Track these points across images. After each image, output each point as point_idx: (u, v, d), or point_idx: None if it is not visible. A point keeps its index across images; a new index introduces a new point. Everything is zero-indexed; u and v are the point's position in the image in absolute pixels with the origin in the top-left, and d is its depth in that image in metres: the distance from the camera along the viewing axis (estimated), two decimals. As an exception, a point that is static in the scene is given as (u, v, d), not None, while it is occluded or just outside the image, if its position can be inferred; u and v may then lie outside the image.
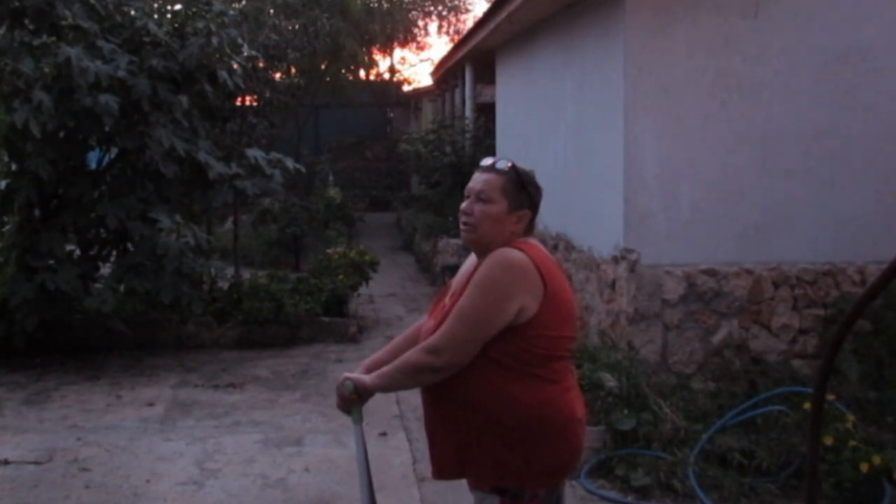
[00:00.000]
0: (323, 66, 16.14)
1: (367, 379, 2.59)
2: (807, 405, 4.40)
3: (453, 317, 2.48)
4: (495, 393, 2.47)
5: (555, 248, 7.75)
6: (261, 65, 9.64)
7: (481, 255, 2.58)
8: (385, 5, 18.90)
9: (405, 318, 8.72)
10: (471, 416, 2.50)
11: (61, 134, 6.62)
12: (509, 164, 2.62)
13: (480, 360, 2.46)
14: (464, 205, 2.61)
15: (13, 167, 6.89)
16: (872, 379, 5.03)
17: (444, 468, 2.63)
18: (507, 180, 2.58)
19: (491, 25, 9.03)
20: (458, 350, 2.45)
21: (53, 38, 6.34)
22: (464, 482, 2.63)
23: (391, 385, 2.60)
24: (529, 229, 2.64)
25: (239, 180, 7.12)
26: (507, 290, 2.44)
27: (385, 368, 2.59)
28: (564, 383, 2.54)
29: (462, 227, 2.63)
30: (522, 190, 2.59)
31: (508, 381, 2.46)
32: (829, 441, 4.18)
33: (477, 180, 2.61)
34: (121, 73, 6.34)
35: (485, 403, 2.47)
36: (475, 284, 2.48)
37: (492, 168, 2.62)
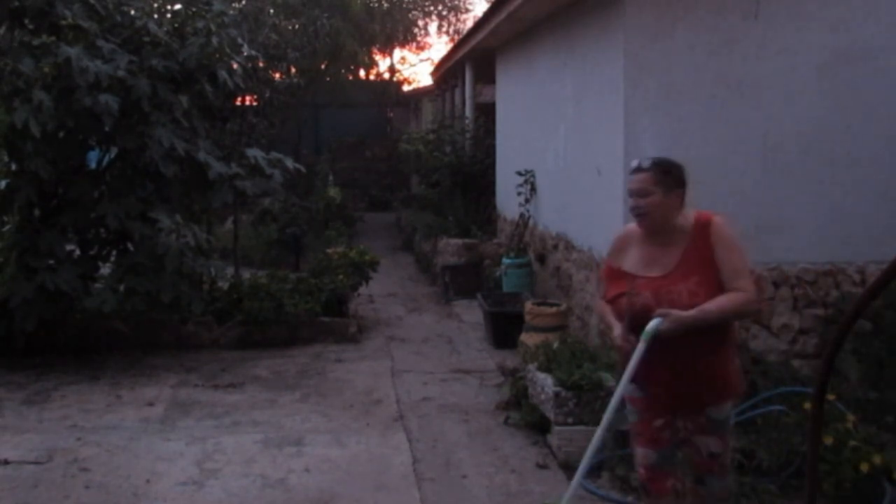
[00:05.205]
0: (323, 66, 16.14)
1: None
2: (807, 405, 4.40)
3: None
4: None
5: (555, 247, 7.76)
6: (261, 65, 9.63)
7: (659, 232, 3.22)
8: (385, 5, 18.90)
9: (405, 317, 8.72)
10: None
11: (61, 134, 6.62)
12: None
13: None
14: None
15: (13, 167, 6.88)
16: (872, 379, 5.03)
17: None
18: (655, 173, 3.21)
19: (491, 25, 9.04)
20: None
21: (53, 38, 6.33)
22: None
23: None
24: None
25: (239, 180, 7.11)
26: None
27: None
28: None
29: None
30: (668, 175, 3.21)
31: None
32: (829, 441, 4.18)
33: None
34: (121, 73, 6.34)
35: None
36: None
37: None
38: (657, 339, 3.06)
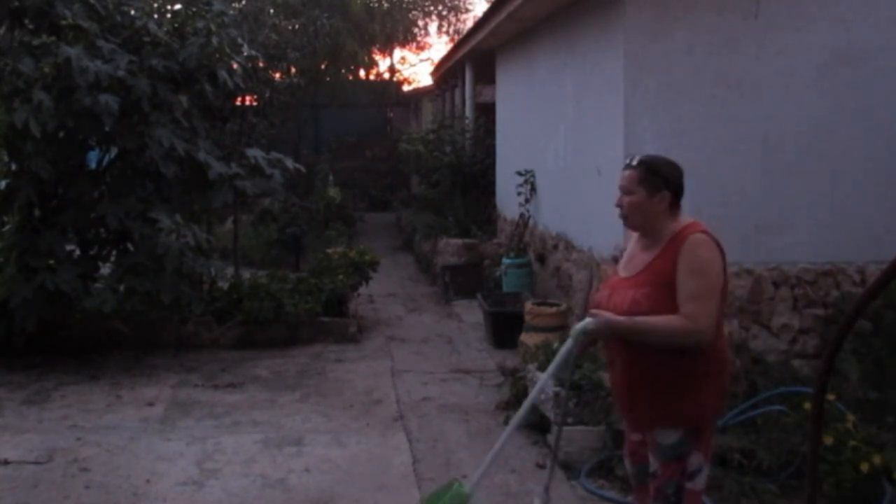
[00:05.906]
0: (323, 66, 16.13)
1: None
2: (807, 405, 4.40)
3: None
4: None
5: (555, 248, 7.76)
6: (261, 65, 9.63)
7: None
8: (385, 5, 18.89)
9: (405, 317, 8.72)
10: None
11: (61, 134, 6.62)
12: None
13: None
14: None
15: (13, 167, 6.88)
16: (872, 379, 5.03)
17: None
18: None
19: (491, 25, 9.04)
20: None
21: (53, 38, 6.33)
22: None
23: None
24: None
25: (239, 180, 7.12)
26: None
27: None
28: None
29: None
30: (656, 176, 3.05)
31: None
32: (829, 441, 4.18)
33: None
34: (121, 73, 6.34)
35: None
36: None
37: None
38: (597, 341, 3.07)
